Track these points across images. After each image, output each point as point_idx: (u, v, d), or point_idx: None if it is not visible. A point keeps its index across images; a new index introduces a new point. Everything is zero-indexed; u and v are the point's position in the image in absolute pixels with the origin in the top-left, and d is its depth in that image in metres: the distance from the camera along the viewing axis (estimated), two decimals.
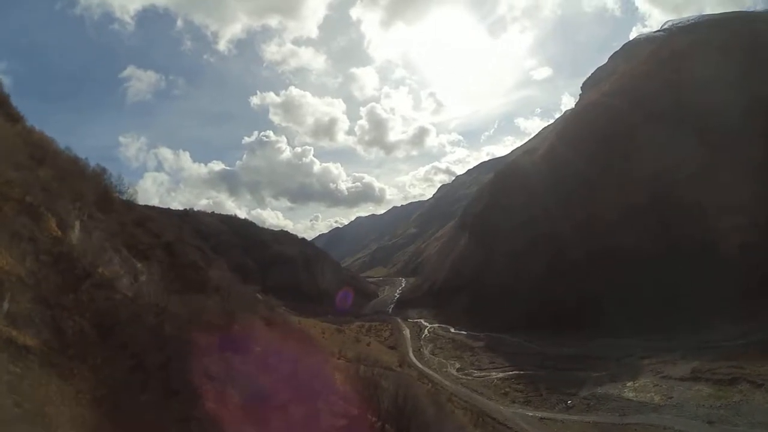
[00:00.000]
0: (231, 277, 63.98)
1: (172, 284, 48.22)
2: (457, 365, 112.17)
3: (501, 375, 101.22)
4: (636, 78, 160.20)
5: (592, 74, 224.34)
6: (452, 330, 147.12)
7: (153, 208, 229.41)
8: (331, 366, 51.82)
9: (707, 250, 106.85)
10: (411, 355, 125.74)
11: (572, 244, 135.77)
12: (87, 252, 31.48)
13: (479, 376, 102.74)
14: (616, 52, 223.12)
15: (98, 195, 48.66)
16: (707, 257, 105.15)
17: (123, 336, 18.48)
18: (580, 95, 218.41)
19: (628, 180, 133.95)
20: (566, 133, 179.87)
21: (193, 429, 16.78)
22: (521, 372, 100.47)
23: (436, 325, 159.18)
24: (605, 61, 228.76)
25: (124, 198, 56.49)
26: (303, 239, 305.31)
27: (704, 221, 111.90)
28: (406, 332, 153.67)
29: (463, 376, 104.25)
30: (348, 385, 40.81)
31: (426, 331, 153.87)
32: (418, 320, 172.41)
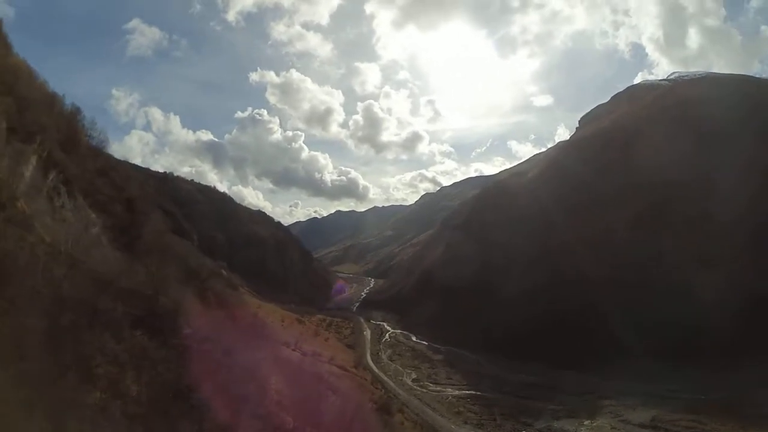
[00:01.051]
0: (191, 247, 59.91)
1: (120, 242, 44.21)
2: (414, 375, 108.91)
3: (457, 393, 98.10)
4: (637, 119, 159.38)
5: (591, 110, 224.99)
6: (414, 338, 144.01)
7: (133, 165, 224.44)
8: (276, 359, 47.68)
9: (687, 293, 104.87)
10: (368, 357, 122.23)
11: (547, 271, 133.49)
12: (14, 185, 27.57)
13: (434, 391, 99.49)
14: (619, 92, 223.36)
15: (65, 134, 44.50)
16: (685, 298, 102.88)
17: (13, 288, 14.41)
18: (576, 128, 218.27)
19: (613, 217, 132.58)
20: (559, 161, 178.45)
21: (79, 416, 12.82)
22: (478, 393, 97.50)
23: (399, 330, 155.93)
24: (606, 99, 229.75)
25: (93, 144, 52.31)
26: (279, 223, 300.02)
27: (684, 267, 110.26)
28: (367, 333, 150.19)
29: (418, 388, 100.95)
30: (292, 386, 36.86)
31: (387, 335, 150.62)
32: (381, 323, 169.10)
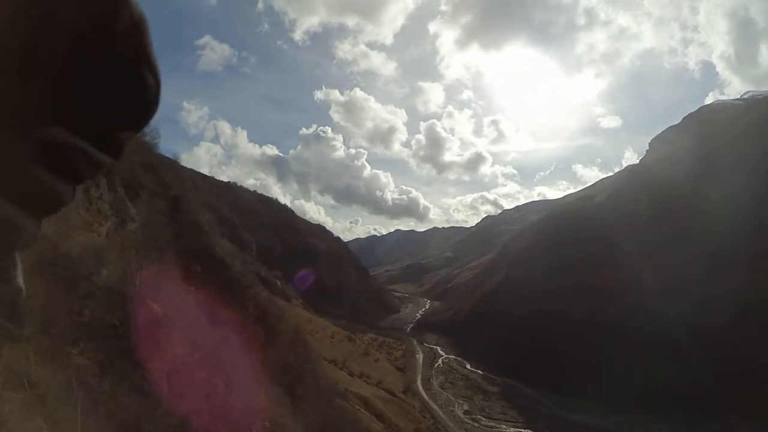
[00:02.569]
0: (239, 253, 57.16)
1: (157, 240, 41.90)
2: (466, 407, 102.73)
3: (512, 430, 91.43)
4: (711, 142, 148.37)
5: (662, 132, 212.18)
6: (468, 366, 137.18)
7: (198, 173, 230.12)
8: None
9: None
10: (419, 382, 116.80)
11: (614, 304, 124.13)
12: None
13: (487, 426, 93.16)
14: (691, 113, 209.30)
15: None
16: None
17: None
18: (647, 151, 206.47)
19: (686, 245, 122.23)
20: (630, 186, 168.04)
21: None
22: None
23: (452, 356, 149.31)
24: (676, 121, 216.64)
25: (145, 140, 50.78)
26: (338, 238, 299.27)
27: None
28: (419, 357, 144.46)
29: (470, 421, 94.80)
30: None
31: (440, 360, 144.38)
32: (435, 347, 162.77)
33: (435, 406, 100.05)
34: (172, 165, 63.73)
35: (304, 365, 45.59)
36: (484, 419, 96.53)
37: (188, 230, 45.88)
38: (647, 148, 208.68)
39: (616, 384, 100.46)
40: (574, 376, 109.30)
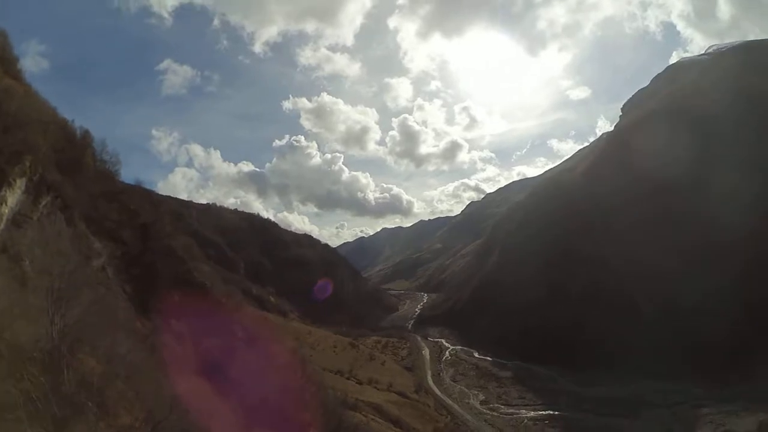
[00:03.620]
0: (215, 275, 53.25)
1: (129, 273, 37.83)
2: (482, 397, 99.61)
3: (532, 414, 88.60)
4: (685, 98, 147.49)
5: (633, 96, 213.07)
6: (476, 354, 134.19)
7: (175, 199, 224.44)
8: None
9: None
10: (429, 379, 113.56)
11: (615, 270, 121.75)
12: None
13: (507, 413, 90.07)
14: (659, 74, 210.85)
15: (69, 156, 38.75)
16: None
17: None
18: (620, 116, 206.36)
19: (681, 206, 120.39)
20: (608, 152, 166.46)
21: None
22: (556, 413, 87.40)
23: (459, 347, 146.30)
24: (643, 84, 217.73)
25: (105, 168, 46.63)
26: (325, 245, 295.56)
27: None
28: (426, 353, 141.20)
29: (488, 411, 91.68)
30: None
31: (447, 353, 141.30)
32: (439, 340, 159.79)
33: (450, 401, 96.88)
34: (139, 191, 59.58)
35: (306, 388, 41.71)
36: (502, 407, 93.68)
37: (161, 257, 41.94)
38: (620, 113, 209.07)
39: (626, 354, 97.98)
40: (584, 350, 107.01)
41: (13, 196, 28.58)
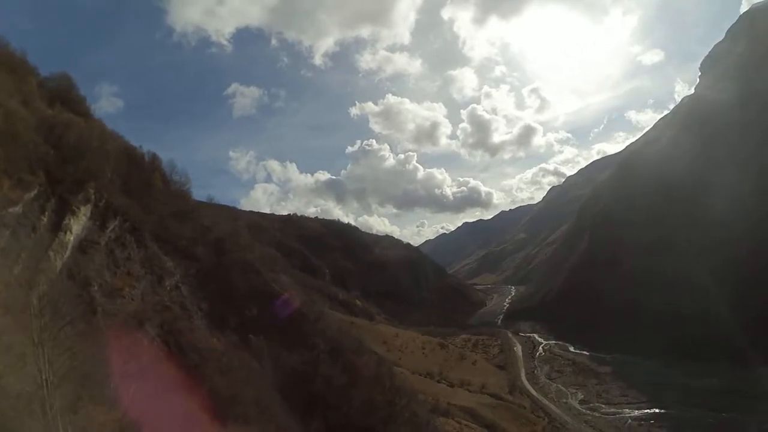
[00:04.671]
0: (294, 284, 52.55)
1: (206, 290, 37.72)
2: (580, 396, 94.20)
3: (637, 413, 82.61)
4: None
5: (709, 53, 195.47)
6: (572, 349, 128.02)
7: (257, 213, 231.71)
8: None
9: None
10: (523, 378, 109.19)
11: (725, 246, 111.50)
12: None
13: (608, 413, 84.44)
14: (732, 25, 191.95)
15: (137, 179, 39.60)
16: None
17: None
18: (699, 76, 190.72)
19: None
20: (691, 118, 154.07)
21: None
22: (663, 411, 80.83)
23: (552, 341, 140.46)
24: (718, 39, 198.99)
25: (176, 188, 47.41)
26: (407, 244, 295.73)
27: None
28: (518, 349, 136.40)
29: (588, 412, 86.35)
30: None
31: (540, 348, 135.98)
32: (531, 335, 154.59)
33: (546, 402, 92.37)
34: (213, 208, 60.58)
35: (394, 401, 39.90)
36: (603, 406, 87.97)
37: (236, 272, 41.68)
38: (698, 74, 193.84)
39: (739, 343, 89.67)
40: (693, 337, 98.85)
41: (78, 224, 29.01)
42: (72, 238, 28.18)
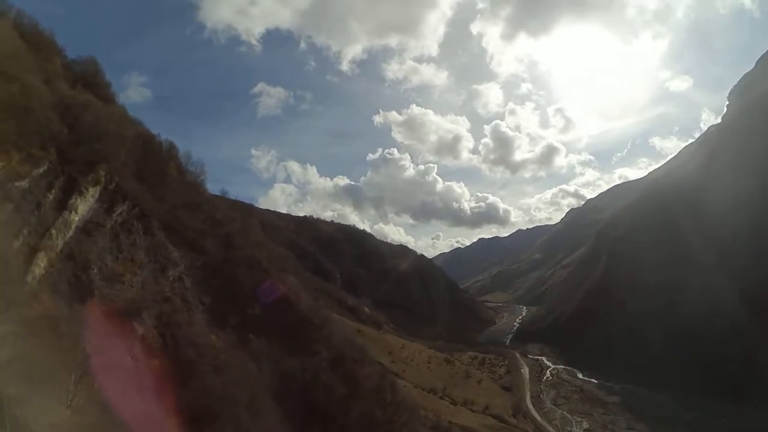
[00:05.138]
0: (300, 285, 51.15)
1: (210, 284, 36.65)
2: (585, 425, 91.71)
3: None
4: None
5: (739, 81, 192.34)
6: (580, 376, 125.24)
7: (273, 212, 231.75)
8: None
9: None
10: (528, 401, 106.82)
11: (750, 282, 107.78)
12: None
13: None
14: (763, 55, 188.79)
15: (149, 167, 38.81)
16: None
17: None
18: (727, 105, 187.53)
19: None
20: (719, 147, 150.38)
21: None
22: None
23: (561, 366, 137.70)
24: (748, 68, 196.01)
25: (191, 179, 46.62)
26: (421, 255, 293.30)
27: None
28: (525, 371, 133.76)
29: None
30: None
31: (548, 372, 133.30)
32: (539, 358, 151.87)
33: (550, 428, 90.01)
34: (226, 202, 59.73)
35: (394, 418, 38.33)
36: None
37: (243, 268, 40.53)
38: (726, 103, 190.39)
39: (757, 382, 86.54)
40: (714, 372, 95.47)
41: (85, 204, 28.25)
42: (77, 219, 27.52)
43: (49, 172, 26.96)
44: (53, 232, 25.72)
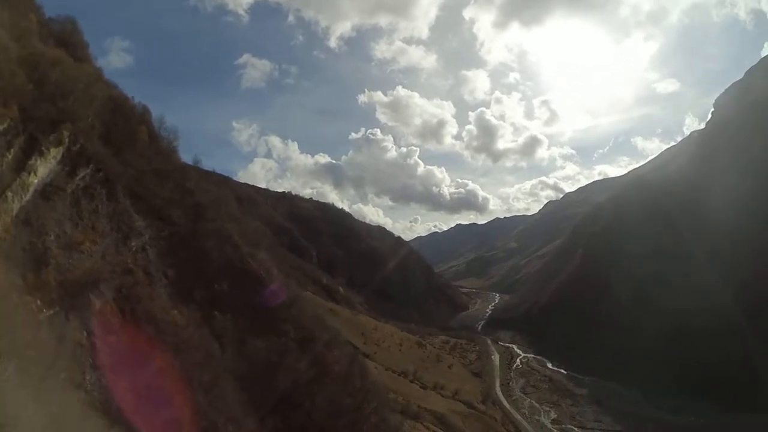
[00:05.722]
0: (271, 261, 49.01)
1: (175, 256, 34.70)
2: (553, 415, 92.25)
3: None
4: None
5: (726, 90, 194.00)
6: (549, 365, 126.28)
7: (251, 186, 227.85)
8: None
9: None
10: (498, 389, 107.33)
11: (721, 283, 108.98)
12: None
13: None
14: (752, 66, 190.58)
15: (119, 130, 36.35)
16: None
17: None
18: (712, 112, 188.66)
19: None
20: (709, 145, 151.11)
21: None
22: None
23: (531, 355, 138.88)
24: (736, 78, 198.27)
25: (162, 145, 44.17)
26: (399, 238, 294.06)
27: None
28: (495, 358, 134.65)
29: None
30: None
31: (518, 360, 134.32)
32: (510, 345, 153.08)
33: (518, 416, 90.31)
34: (199, 171, 57.18)
35: (362, 405, 37.03)
36: (575, 429, 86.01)
37: (213, 241, 38.46)
38: (712, 110, 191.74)
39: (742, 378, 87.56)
40: (688, 371, 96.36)
41: (45, 166, 25.92)
42: (36, 182, 25.11)
43: (9, 130, 24.58)
44: (9, 194, 23.48)
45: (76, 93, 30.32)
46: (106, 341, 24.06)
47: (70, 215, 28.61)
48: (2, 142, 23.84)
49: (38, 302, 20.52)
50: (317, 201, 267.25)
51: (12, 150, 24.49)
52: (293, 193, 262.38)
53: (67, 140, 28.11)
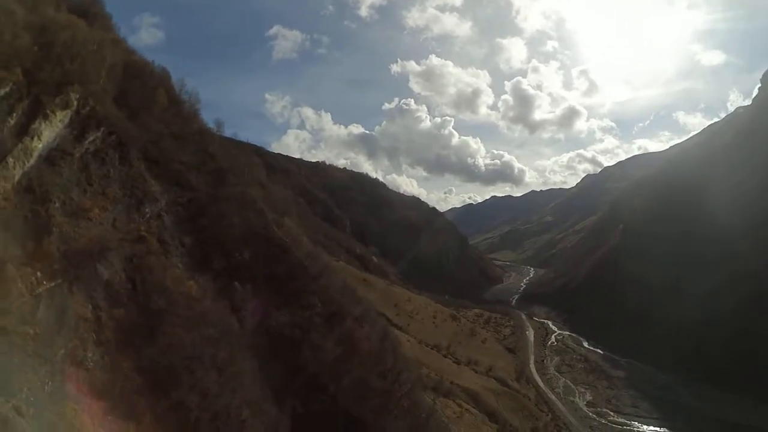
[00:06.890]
0: (298, 229, 46.39)
1: (194, 222, 32.53)
2: (588, 397, 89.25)
3: (645, 429, 77.11)
4: None
5: None
6: (585, 344, 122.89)
7: (284, 156, 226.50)
8: None
9: None
10: (532, 366, 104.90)
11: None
12: None
13: (616, 423, 79.33)
14: None
15: (136, 94, 33.99)
16: None
17: None
18: (759, 87, 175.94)
19: None
20: (758, 120, 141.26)
21: None
22: None
23: (567, 333, 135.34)
24: None
25: (183, 108, 41.85)
26: (434, 209, 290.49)
27: None
28: (530, 334, 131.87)
29: (595, 416, 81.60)
30: None
31: (553, 337, 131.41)
32: (545, 321, 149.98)
33: (553, 396, 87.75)
34: (221, 136, 54.46)
35: (394, 388, 34.44)
36: (611, 413, 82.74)
37: (234, 207, 35.91)
38: (758, 85, 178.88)
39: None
40: (721, 357, 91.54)
41: (51, 130, 23.99)
42: (40, 146, 23.05)
43: (12, 93, 22.61)
44: (10, 160, 21.57)
45: (86, 55, 27.99)
46: (112, 315, 22.26)
47: (78, 181, 26.40)
48: (4, 106, 21.77)
49: (38, 274, 18.68)
50: (351, 171, 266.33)
51: (14, 114, 22.45)
52: (327, 163, 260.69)
53: (75, 102, 25.88)
